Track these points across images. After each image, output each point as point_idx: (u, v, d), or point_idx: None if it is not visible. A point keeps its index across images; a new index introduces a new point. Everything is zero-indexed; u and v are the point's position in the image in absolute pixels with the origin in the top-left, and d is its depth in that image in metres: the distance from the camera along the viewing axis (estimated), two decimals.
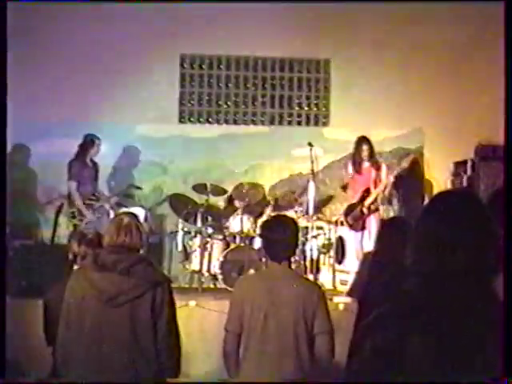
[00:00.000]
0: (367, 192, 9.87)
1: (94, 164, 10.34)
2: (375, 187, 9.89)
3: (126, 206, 10.10)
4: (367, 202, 9.81)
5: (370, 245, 9.36)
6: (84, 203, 9.95)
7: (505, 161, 4.38)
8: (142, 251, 5.07)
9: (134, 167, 11.42)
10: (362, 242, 9.78)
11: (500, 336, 2.17)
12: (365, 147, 9.93)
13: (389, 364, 2.21)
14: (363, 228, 9.82)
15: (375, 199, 9.87)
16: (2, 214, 6.11)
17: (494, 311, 2.23)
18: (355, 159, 10.04)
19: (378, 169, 9.97)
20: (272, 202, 10.44)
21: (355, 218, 9.86)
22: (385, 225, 5.72)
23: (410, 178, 11.67)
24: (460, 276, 2.26)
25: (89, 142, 10.19)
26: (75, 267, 5.52)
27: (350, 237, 9.98)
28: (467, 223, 2.31)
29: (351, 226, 9.90)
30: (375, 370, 2.24)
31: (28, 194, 11.16)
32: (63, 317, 4.72)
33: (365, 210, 9.79)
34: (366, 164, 9.98)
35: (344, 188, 10.49)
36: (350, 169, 10.14)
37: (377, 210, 9.84)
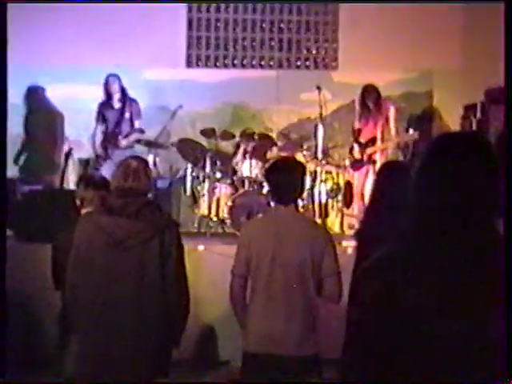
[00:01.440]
0: (373, 141, 9.77)
1: (124, 105, 10.27)
2: (382, 136, 9.78)
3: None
4: (368, 150, 9.75)
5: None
6: (105, 146, 10.09)
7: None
8: (150, 195, 5.07)
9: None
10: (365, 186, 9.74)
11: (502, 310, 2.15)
12: (371, 96, 9.82)
13: (387, 311, 2.19)
14: (360, 168, 9.78)
15: (382, 150, 9.78)
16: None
17: (498, 256, 2.20)
18: (361, 107, 9.96)
19: (387, 116, 9.85)
20: (280, 143, 10.45)
21: (354, 162, 9.86)
22: (381, 168, 5.73)
23: (421, 123, 11.61)
24: (462, 218, 2.23)
25: (104, 83, 10.24)
26: (83, 211, 5.53)
27: (359, 181, 9.96)
28: (472, 164, 2.27)
29: (351, 166, 9.90)
30: (373, 317, 2.23)
31: (37, 140, 11.15)
32: (72, 260, 4.75)
33: (365, 158, 9.74)
34: (373, 111, 9.88)
35: (355, 136, 10.19)
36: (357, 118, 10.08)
37: (374, 161, 9.74)
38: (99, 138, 10.21)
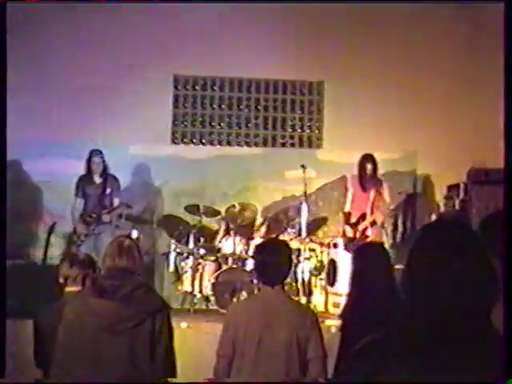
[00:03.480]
0: (363, 217, 9.77)
1: (105, 181, 10.21)
2: (371, 211, 9.79)
3: (118, 227, 10.09)
4: (361, 226, 9.74)
5: None
6: (82, 221, 9.95)
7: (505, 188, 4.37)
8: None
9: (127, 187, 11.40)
10: None
11: (498, 364, 2.15)
12: (368, 165, 9.85)
13: None
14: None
15: (372, 223, 9.77)
16: (2, 235, 6.10)
17: (493, 347, 2.21)
18: (359, 177, 9.96)
19: (378, 190, 9.86)
20: (264, 224, 10.45)
21: (348, 240, 9.80)
22: (358, 251, 5.74)
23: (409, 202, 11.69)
24: (454, 309, 2.23)
25: (87, 158, 10.18)
26: (66, 289, 5.49)
27: (343, 259, 9.92)
28: (462, 256, 2.28)
29: (345, 247, 9.82)
30: None
31: (20, 213, 11.11)
32: (60, 341, 4.65)
33: (358, 234, 9.73)
34: (368, 183, 9.88)
35: (346, 219, 10.14)
36: (351, 187, 10.06)
37: (366, 236, 9.69)
38: (79, 212, 10.12)
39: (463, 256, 2.27)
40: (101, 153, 10.20)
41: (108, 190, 10.17)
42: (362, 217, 9.77)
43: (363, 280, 5.02)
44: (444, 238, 2.35)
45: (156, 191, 11.24)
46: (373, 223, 9.76)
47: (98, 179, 10.19)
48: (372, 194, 9.80)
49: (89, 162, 10.17)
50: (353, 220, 9.88)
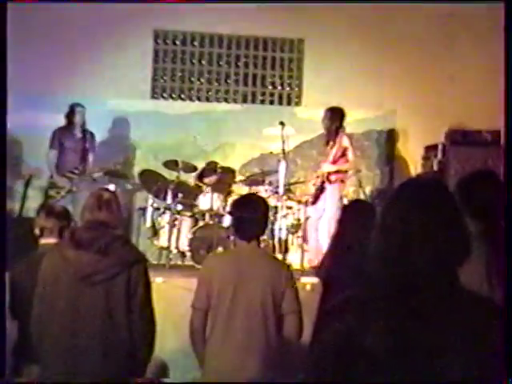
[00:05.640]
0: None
1: (84, 136, 10.15)
2: (333, 163, 9.62)
3: (95, 180, 10.05)
4: (315, 179, 9.67)
5: (325, 225, 9.37)
6: (64, 175, 9.86)
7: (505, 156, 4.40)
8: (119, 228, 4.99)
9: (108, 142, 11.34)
10: (318, 221, 9.70)
11: (467, 326, 2.17)
12: (325, 119, 9.78)
13: (349, 350, 2.20)
14: (313, 203, 9.66)
15: (328, 176, 9.62)
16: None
17: (457, 301, 2.23)
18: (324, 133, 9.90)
19: (334, 143, 9.66)
20: (242, 180, 10.46)
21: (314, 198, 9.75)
22: (346, 208, 5.75)
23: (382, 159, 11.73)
24: (425, 266, 2.25)
25: (69, 111, 10.11)
26: (42, 241, 5.48)
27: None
28: (435, 214, 2.30)
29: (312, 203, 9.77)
30: (335, 357, 2.23)
31: None
32: (38, 293, 4.65)
33: (312, 188, 9.68)
34: (328, 137, 9.75)
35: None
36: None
37: (323, 189, 9.61)
38: (53, 164, 10.02)
39: (435, 212, 2.29)
40: (83, 107, 10.14)
41: (86, 145, 10.11)
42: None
43: (351, 236, 5.03)
44: (417, 193, 2.37)
45: (134, 146, 11.19)
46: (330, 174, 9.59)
47: (78, 133, 10.13)
48: (334, 149, 9.61)
49: (70, 114, 10.09)
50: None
